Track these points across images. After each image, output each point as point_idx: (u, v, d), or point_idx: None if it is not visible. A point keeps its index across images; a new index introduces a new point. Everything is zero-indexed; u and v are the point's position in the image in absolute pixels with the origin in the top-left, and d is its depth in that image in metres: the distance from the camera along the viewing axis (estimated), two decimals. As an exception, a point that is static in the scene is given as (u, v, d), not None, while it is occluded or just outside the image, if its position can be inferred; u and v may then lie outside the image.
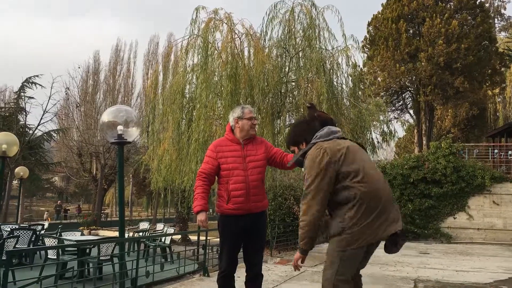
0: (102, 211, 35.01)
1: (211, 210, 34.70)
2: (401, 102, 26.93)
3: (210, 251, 7.45)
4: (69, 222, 30.54)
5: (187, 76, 9.78)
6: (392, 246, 3.17)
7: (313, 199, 3.05)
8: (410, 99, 26.45)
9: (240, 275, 4.37)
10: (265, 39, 9.99)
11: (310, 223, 3.05)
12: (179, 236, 17.37)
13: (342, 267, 3.07)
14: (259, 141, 4.22)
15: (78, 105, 31.02)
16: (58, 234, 9.99)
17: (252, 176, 4.00)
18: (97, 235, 20.03)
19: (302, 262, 3.23)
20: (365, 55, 23.91)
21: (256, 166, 4.05)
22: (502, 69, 23.64)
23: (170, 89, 9.70)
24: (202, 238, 7.92)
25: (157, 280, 7.06)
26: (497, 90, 28.11)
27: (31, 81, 26.75)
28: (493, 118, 33.02)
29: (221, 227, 4.09)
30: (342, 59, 9.95)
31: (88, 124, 30.04)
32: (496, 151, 16.92)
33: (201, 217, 3.95)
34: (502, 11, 32.37)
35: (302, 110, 9.49)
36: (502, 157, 16.71)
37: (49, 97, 24.82)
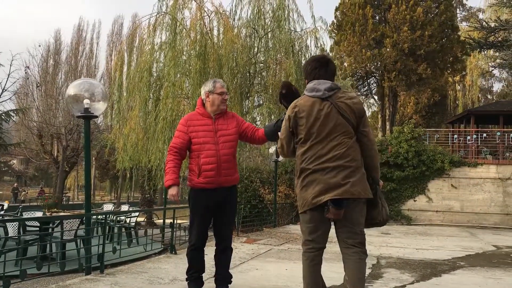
0: (64, 194, 34.19)
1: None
2: (366, 87, 27.35)
3: (177, 229, 7.40)
4: (29, 205, 29.65)
5: (155, 55, 9.62)
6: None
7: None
8: (375, 85, 26.90)
9: (208, 253, 4.36)
10: (234, 19, 9.95)
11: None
12: (144, 220, 17.22)
13: (303, 229, 3.32)
14: (230, 115, 4.20)
15: (38, 84, 29.99)
16: (19, 214, 9.73)
17: (223, 150, 3.99)
18: (59, 217, 19.56)
19: None
20: (333, 40, 24.08)
21: (227, 140, 4.04)
22: (463, 57, 24.32)
23: (137, 67, 9.52)
24: (168, 219, 7.87)
25: (123, 261, 6.97)
26: (457, 78, 28.96)
27: (-12, 58, 25.63)
28: (452, 105, 34.10)
29: (191, 200, 4.07)
30: (310, 40, 10.04)
31: (49, 104, 29.14)
32: (455, 136, 17.47)
33: (172, 191, 3.93)
34: (464, 1, 33.28)
35: (270, 91, 9.51)
36: (461, 142, 17.29)
37: (8, 75, 23.84)
